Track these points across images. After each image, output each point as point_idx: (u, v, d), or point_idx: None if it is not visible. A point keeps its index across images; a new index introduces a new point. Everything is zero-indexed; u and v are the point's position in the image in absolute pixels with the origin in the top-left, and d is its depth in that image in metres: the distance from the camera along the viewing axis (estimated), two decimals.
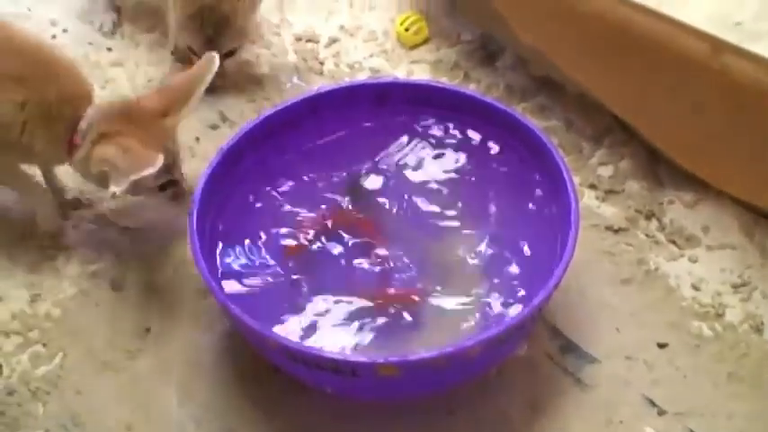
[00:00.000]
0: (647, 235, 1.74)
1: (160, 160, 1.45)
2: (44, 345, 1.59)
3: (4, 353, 1.58)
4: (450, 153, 1.67)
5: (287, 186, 1.64)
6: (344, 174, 1.66)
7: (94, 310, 1.64)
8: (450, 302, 1.47)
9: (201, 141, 1.94)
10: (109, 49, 2.19)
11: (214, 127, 1.98)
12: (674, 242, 1.72)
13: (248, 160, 1.62)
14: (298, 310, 1.46)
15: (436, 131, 1.69)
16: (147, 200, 1.68)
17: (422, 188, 1.64)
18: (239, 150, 1.61)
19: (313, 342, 1.40)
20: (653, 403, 1.49)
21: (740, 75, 1.59)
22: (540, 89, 2.00)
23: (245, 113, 1.99)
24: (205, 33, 1.94)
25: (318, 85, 2.00)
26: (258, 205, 1.62)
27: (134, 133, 1.52)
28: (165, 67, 2.13)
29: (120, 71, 2.14)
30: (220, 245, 1.53)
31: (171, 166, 1.58)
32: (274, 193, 1.63)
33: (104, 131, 1.53)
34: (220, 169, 1.56)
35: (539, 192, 1.59)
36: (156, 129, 1.57)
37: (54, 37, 2.21)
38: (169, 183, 1.62)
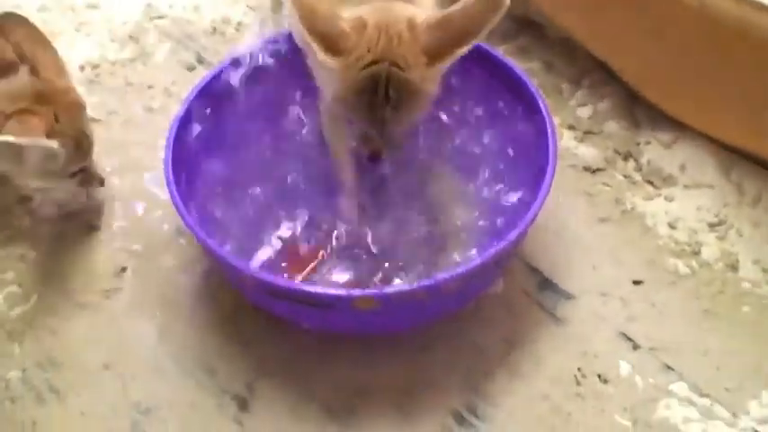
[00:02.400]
0: (624, 175, 1.74)
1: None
2: (19, 285, 1.59)
3: None
4: None
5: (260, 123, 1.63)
6: None
7: (70, 250, 1.64)
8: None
9: (177, 83, 1.93)
10: None
11: (191, 68, 1.97)
12: (650, 182, 1.73)
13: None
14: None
15: None
16: (57, 187, 1.65)
17: None
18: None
19: None
20: (628, 338, 1.50)
21: (720, 14, 1.58)
22: (520, 31, 1.99)
23: (220, 54, 1.97)
24: None
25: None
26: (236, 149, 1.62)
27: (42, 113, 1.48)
28: (140, 10, 2.10)
29: (95, 13, 2.11)
30: (197, 184, 1.53)
31: (83, 151, 1.56)
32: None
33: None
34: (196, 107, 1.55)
35: (517, 130, 1.58)
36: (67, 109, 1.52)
37: None
38: (79, 170, 1.58)
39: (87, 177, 1.61)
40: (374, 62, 1.30)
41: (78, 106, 1.56)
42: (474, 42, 1.28)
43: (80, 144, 1.54)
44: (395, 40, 1.30)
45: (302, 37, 1.32)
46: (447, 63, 1.32)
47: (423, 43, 1.30)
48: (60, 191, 1.68)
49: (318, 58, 1.30)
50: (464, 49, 1.29)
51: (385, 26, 1.30)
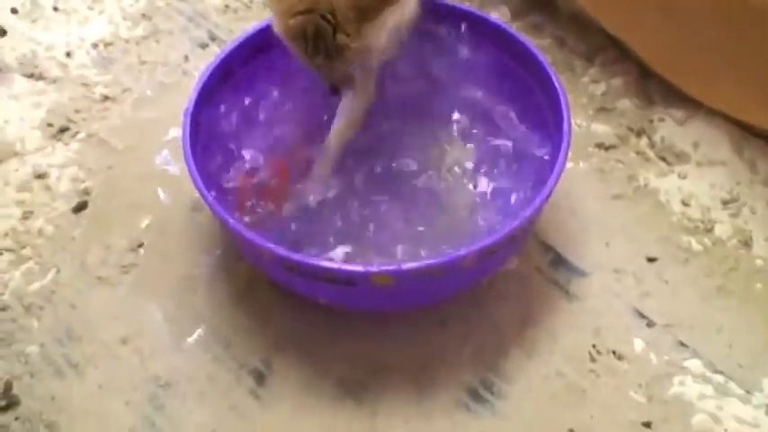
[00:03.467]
0: (637, 152, 1.74)
1: None
2: (37, 261, 1.60)
3: None
4: (441, 62, 1.65)
5: (278, 101, 1.63)
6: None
7: (87, 225, 1.64)
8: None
9: (190, 60, 1.94)
10: None
11: (203, 46, 1.97)
12: (663, 159, 1.73)
13: (239, 75, 1.61)
14: None
15: (430, 44, 1.66)
16: None
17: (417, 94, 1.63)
18: (229, 65, 1.59)
19: None
20: (642, 315, 1.51)
21: None
22: (531, 7, 1.98)
23: (234, 32, 1.97)
24: None
25: None
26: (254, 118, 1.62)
27: None
28: None
29: None
30: (214, 157, 1.53)
31: None
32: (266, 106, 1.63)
33: None
34: (211, 83, 1.55)
35: (531, 106, 1.58)
36: None
37: None
38: None
39: None
40: (305, 11, 1.32)
41: None
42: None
43: None
44: None
45: None
46: (375, 21, 1.33)
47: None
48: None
49: None
50: (392, 8, 1.32)
51: None
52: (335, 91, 1.46)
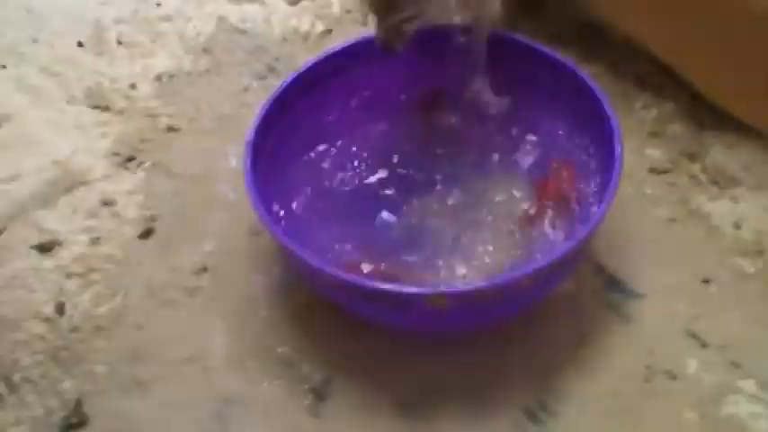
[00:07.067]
0: (689, 176, 1.75)
1: None
2: (105, 285, 1.66)
3: (65, 292, 1.65)
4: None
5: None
6: None
7: (154, 251, 1.70)
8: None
9: (250, 92, 2.00)
10: (158, 4, 2.24)
11: (262, 78, 2.03)
12: (716, 182, 1.74)
13: (299, 107, 1.67)
14: None
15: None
16: None
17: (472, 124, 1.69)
18: (289, 97, 1.65)
19: None
20: (695, 336, 1.52)
21: None
22: (582, 35, 2.01)
23: (291, 64, 2.03)
24: None
25: (359, 34, 2.01)
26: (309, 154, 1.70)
27: None
28: (213, 23, 2.17)
29: (169, 26, 2.19)
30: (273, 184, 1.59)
31: None
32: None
33: None
34: (272, 115, 1.60)
35: (583, 129, 1.63)
36: None
37: None
38: None
39: None
40: None
41: None
42: None
43: None
44: None
45: None
46: None
47: None
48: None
49: None
50: None
51: None
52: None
